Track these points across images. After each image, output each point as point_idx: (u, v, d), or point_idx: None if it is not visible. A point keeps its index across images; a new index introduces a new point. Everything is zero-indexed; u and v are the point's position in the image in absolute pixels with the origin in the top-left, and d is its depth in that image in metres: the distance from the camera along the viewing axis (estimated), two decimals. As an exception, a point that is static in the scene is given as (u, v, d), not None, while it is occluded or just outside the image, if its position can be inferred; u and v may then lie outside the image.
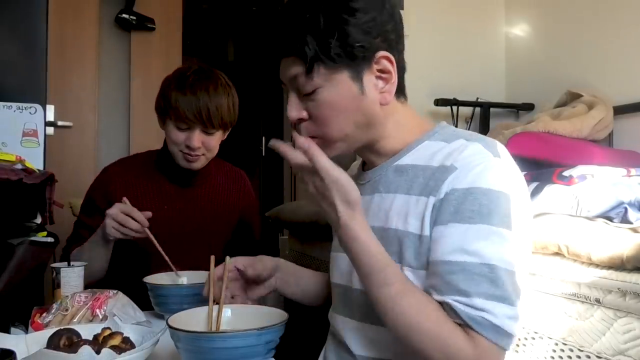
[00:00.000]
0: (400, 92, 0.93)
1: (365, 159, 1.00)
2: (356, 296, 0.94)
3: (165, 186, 1.53)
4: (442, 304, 0.79)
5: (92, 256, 1.35)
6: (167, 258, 1.30)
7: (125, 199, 1.32)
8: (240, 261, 1.07)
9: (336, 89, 0.87)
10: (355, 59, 0.86)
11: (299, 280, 1.14)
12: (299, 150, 0.79)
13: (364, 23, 0.85)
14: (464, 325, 0.77)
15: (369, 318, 0.91)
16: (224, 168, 1.65)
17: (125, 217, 1.28)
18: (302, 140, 0.79)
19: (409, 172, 0.90)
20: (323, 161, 0.78)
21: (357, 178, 0.99)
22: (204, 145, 1.44)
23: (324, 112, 0.88)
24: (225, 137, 1.53)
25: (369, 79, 0.88)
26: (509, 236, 0.79)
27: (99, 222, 1.44)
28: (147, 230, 1.29)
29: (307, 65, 0.86)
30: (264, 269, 1.07)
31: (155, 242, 1.29)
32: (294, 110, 0.90)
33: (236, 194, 1.63)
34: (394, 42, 0.89)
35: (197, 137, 1.41)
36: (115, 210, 1.29)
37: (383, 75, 0.88)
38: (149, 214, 1.31)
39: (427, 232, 0.83)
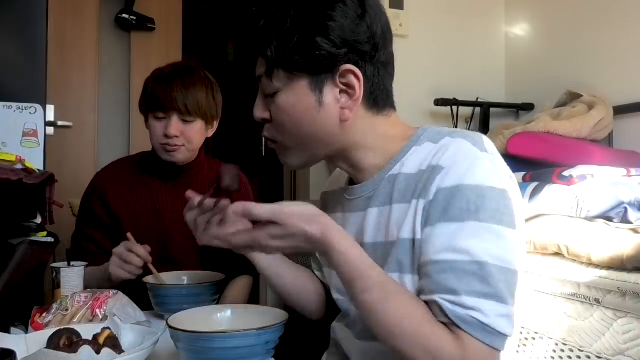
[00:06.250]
0: (385, 104, 0.89)
1: (348, 172, 0.96)
2: (353, 314, 0.93)
3: (155, 186, 1.52)
4: (430, 304, 0.76)
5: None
6: (162, 279, 1.28)
7: (129, 234, 1.30)
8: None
9: (294, 95, 0.84)
10: (315, 68, 0.82)
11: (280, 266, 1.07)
12: (237, 220, 0.79)
13: (331, 31, 0.81)
14: (451, 324, 0.74)
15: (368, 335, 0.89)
16: (217, 166, 1.64)
17: (128, 254, 1.27)
18: (234, 208, 0.79)
19: (401, 181, 0.86)
20: (263, 210, 0.77)
21: (344, 192, 0.96)
22: (184, 135, 1.44)
23: (281, 117, 0.86)
24: (211, 133, 1.53)
25: (331, 91, 0.84)
26: (501, 232, 0.76)
27: (100, 232, 1.45)
28: (151, 266, 1.28)
29: (267, 67, 0.85)
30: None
31: (156, 273, 1.28)
32: (258, 110, 0.90)
33: None
34: (368, 55, 0.84)
35: (175, 125, 1.42)
36: (121, 249, 1.28)
37: (348, 90, 0.84)
38: (148, 248, 1.29)
39: (419, 235, 0.81)
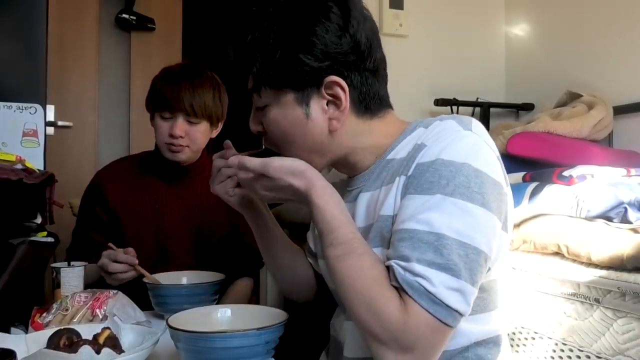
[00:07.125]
0: (378, 108, 0.90)
1: (348, 175, 0.97)
2: None
3: (156, 185, 1.52)
4: (388, 269, 0.77)
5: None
6: (153, 278, 1.28)
7: (110, 244, 1.29)
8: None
9: (282, 110, 0.86)
10: (300, 84, 0.84)
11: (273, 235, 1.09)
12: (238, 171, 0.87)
13: (314, 47, 0.82)
14: (401, 289, 0.74)
15: None
16: None
17: (110, 264, 1.26)
18: (231, 161, 0.88)
19: (394, 165, 0.87)
20: (254, 162, 0.84)
21: (346, 185, 0.97)
22: (188, 136, 1.45)
23: (273, 131, 0.89)
24: (215, 134, 1.53)
25: (318, 103, 0.85)
26: (469, 208, 0.76)
27: (100, 232, 1.45)
28: (139, 267, 1.27)
29: (254, 83, 0.87)
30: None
31: (146, 273, 1.27)
32: (253, 123, 0.93)
33: None
34: (353, 65, 0.85)
35: (180, 126, 1.43)
36: (103, 260, 1.27)
37: (335, 101, 0.85)
38: (132, 251, 1.28)
39: (397, 210, 0.82)
